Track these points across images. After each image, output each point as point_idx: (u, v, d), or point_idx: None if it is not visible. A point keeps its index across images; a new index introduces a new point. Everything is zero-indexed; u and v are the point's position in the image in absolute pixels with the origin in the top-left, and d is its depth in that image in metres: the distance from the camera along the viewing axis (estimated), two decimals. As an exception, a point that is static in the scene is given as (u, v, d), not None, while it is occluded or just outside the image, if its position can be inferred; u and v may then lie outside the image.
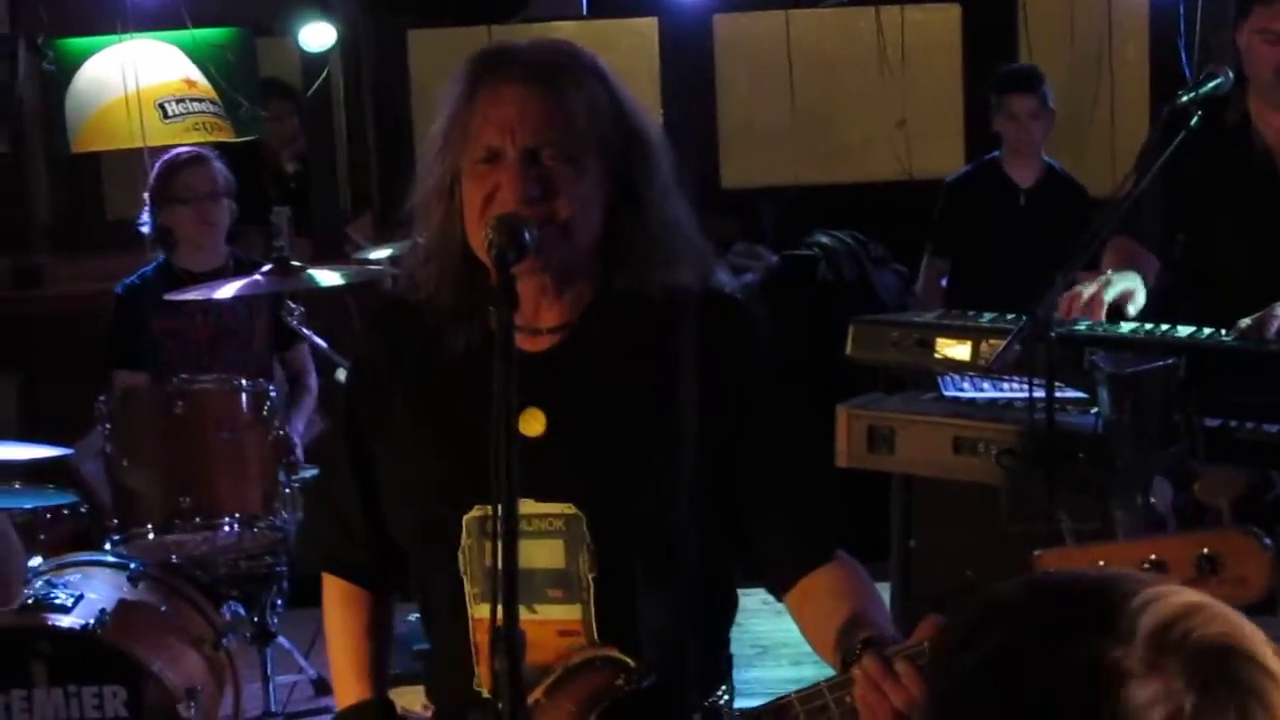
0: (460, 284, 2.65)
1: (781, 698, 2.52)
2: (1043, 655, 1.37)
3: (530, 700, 2.58)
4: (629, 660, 2.59)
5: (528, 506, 2.55)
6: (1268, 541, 2.30)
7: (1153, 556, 2.28)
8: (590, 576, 2.62)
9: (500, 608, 2.22)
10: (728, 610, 2.85)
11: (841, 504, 2.77)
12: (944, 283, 7.65)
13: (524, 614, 2.46)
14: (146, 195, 6.29)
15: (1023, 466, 4.22)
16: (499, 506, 2.22)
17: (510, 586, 2.22)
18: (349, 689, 2.88)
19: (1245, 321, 4.17)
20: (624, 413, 2.65)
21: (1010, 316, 4.58)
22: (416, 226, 2.71)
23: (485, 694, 2.67)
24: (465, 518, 2.65)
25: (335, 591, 2.94)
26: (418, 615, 3.68)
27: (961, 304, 6.83)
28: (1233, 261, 4.55)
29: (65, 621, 4.84)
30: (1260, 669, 1.36)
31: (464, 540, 2.66)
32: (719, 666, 2.84)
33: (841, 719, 2.47)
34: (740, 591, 2.86)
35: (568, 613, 2.64)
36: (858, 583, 2.68)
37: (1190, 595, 1.40)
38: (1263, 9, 4.43)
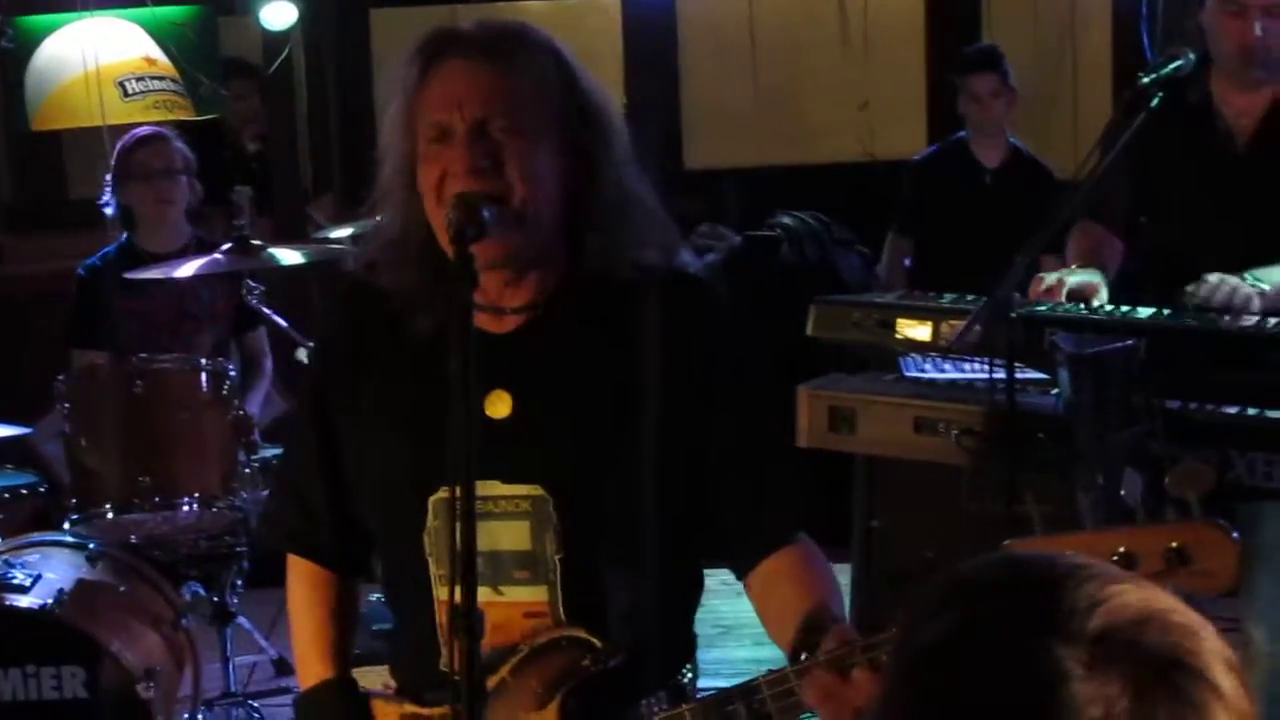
0: (422, 267, 2.63)
1: (750, 680, 2.51)
2: (989, 644, 1.36)
3: (496, 679, 2.60)
4: (595, 640, 2.60)
5: (494, 488, 2.57)
6: (1235, 535, 2.31)
7: (1122, 549, 2.28)
8: (557, 558, 2.62)
9: (459, 588, 2.21)
10: (693, 591, 2.86)
11: (804, 487, 2.77)
12: (907, 263, 7.66)
13: (490, 596, 2.52)
14: (108, 175, 6.27)
15: (983, 447, 4.23)
16: (457, 486, 2.22)
17: (468, 565, 2.21)
18: (312, 669, 2.87)
19: (1189, 287, 4.20)
20: (590, 394, 2.65)
21: (971, 298, 4.59)
22: (378, 209, 2.70)
23: (453, 675, 2.65)
24: (431, 499, 2.66)
25: (299, 571, 2.92)
26: (379, 595, 3.67)
27: (926, 285, 6.85)
28: (1194, 241, 4.57)
29: (23, 601, 4.82)
30: (1205, 684, 1.34)
31: (430, 522, 2.67)
32: (684, 646, 2.85)
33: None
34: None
35: (534, 594, 2.64)
36: (813, 568, 2.68)
37: (1150, 598, 1.38)
38: None
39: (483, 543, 2.31)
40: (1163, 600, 1.38)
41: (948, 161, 7.60)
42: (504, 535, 2.61)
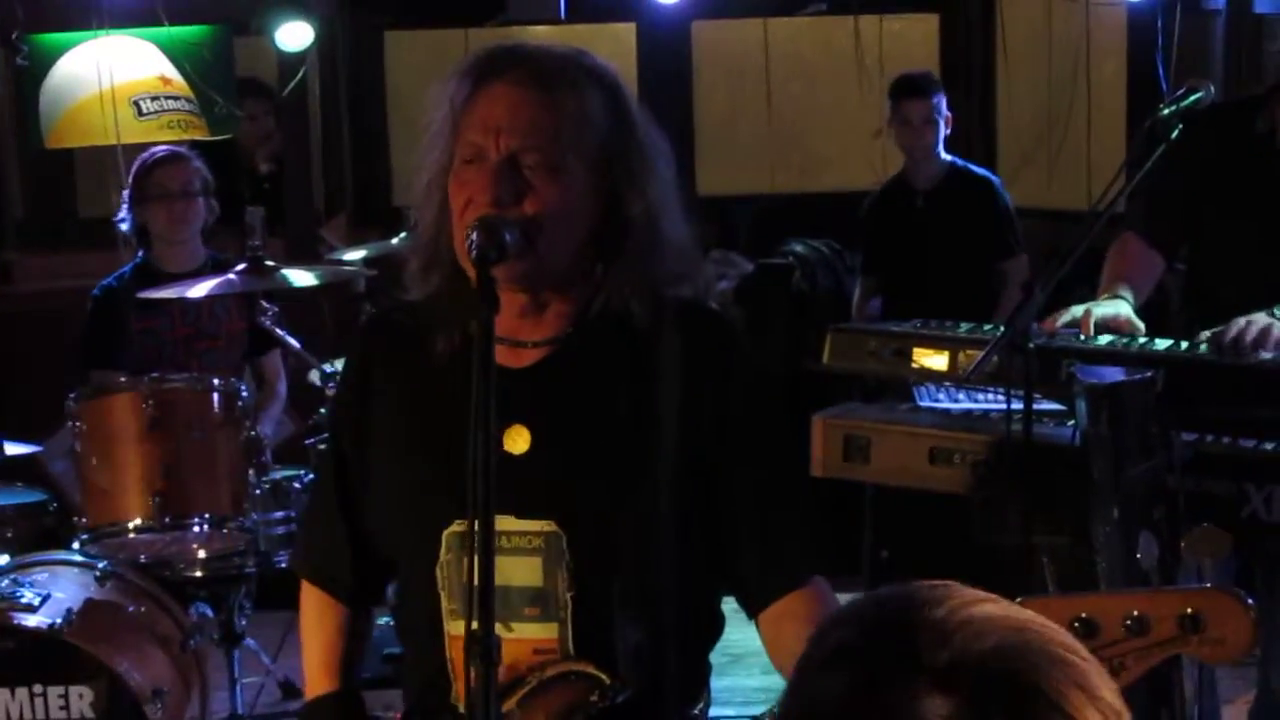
0: (446, 279, 2.64)
1: (756, 715, 2.52)
2: (846, 674, 1.37)
3: (503, 709, 2.56)
4: (604, 676, 2.59)
5: (508, 523, 2.56)
6: (1250, 602, 2.31)
7: (1136, 612, 2.29)
8: (568, 595, 2.62)
9: (475, 615, 2.21)
10: (711, 630, 2.84)
11: (819, 526, 2.76)
12: (876, 303, 7.70)
13: (500, 631, 2.45)
14: (125, 193, 6.27)
15: (998, 478, 4.21)
16: (474, 517, 2.22)
17: (486, 592, 2.19)
18: (317, 682, 2.90)
19: (1206, 334, 4.17)
20: (608, 431, 2.64)
21: (988, 327, 4.57)
22: (415, 214, 2.73)
23: (461, 708, 2.64)
24: (445, 532, 2.66)
25: (313, 597, 2.94)
26: (388, 619, 3.65)
27: (894, 315, 6.88)
28: (1240, 270, 4.53)
29: (31, 621, 4.81)
30: (1056, 711, 1.33)
31: (443, 555, 2.67)
32: (697, 681, 2.83)
33: None
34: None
35: (544, 631, 2.63)
36: (817, 606, 2.67)
37: (1010, 622, 1.38)
38: None
39: (496, 578, 2.29)
40: (1028, 629, 1.38)
41: (887, 196, 7.69)
42: (515, 571, 2.59)
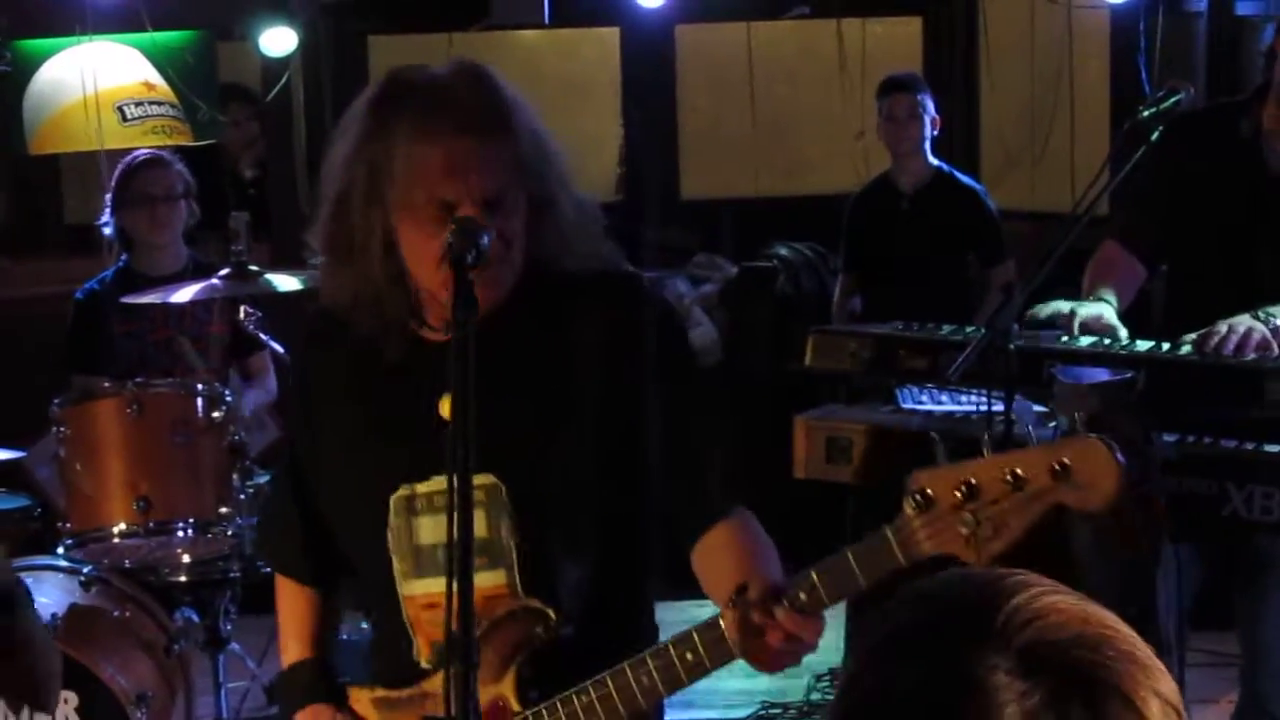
0: (389, 310, 2.80)
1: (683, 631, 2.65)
2: (926, 643, 1.39)
3: None
4: (548, 610, 2.76)
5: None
6: (1116, 448, 2.40)
7: (1017, 470, 2.39)
8: (512, 542, 2.78)
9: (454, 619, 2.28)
10: (644, 568, 3.00)
11: (738, 464, 2.90)
12: (856, 299, 7.71)
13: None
14: (107, 198, 6.27)
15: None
16: (454, 485, 2.38)
17: (465, 589, 2.25)
18: (290, 652, 3.08)
19: (1189, 336, 4.17)
20: (536, 389, 2.81)
21: (969, 329, 4.58)
22: (328, 249, 2.85)
23: (424, 664, 2.86)
24: (392, 498, 2.84)
25: (283, 585, 3.15)
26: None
27: (872, 317, 6.89)
28: (1225, 273, 4.53)
29: None
30: (1127, 708, 1.35)
31: (391, 519, 2.85)
32: (642, 627, 2.98)
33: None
34: (693, 603, 2.91)
35: (494, 579, 2.78)
36: (748, 537, 2.80)
37: (1088, 615, 1.40)
38: None
39: (442, 534, 2.64)
40: (1103, 623, 1.40)
41: (872, 194, 7.70)
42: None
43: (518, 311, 2.79)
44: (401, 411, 2.80)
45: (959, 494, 2.42)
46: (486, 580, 2.75)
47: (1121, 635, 1.40)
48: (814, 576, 2.54)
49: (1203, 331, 4.15)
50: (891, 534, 2.50)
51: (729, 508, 2.83)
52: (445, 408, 2.73)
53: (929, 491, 2.44)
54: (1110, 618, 1.41)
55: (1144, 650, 1.40)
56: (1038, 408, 4.29)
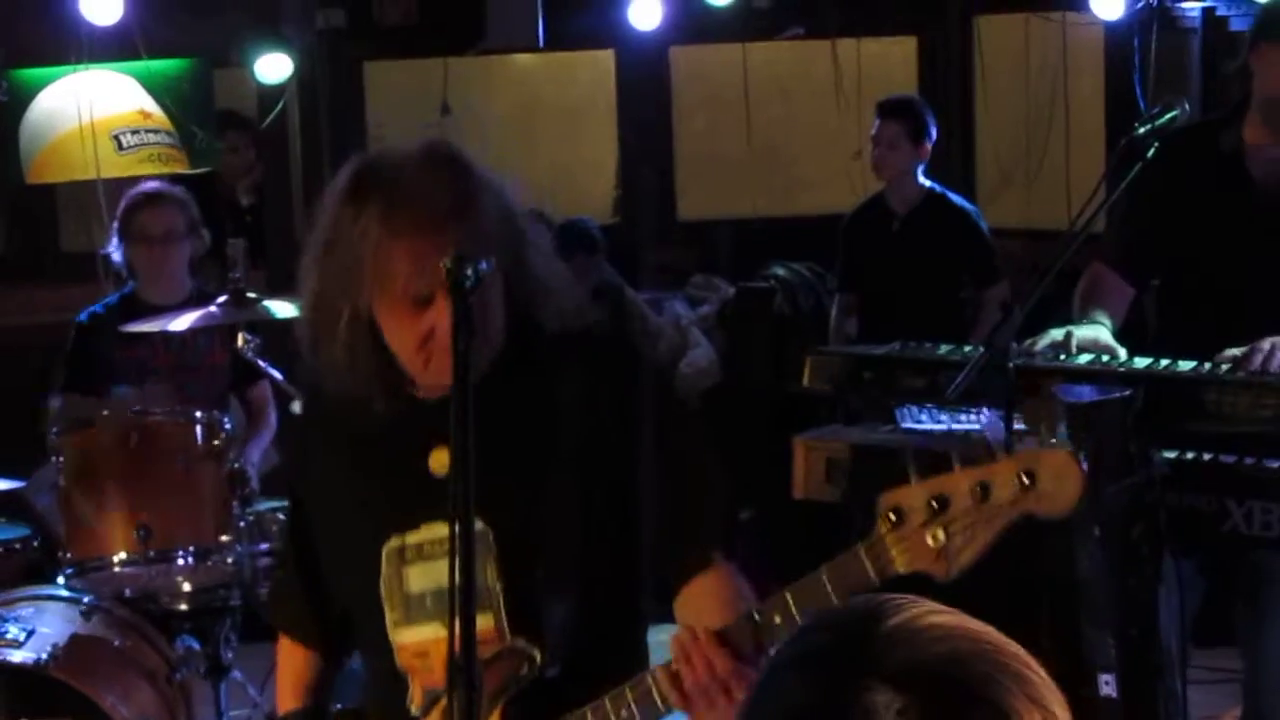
0: (371, 373, 2.83)
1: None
2: (812, 677, 1.45)
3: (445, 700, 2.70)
4: (533, 650, 2.79)
5: (439, 530, 2.83)
6: (1081, 457, 2.43)
7: (981, 480, 2.42)
8: (498, 586, 2.83)
9: (458, 629, 2.34)
10: (632, 614, 3.03)
11: (723, 511, 2.97)
12: (853, 319, 7.72)
13: (440, 631, 2.77)
14: (114, 225, 6.28)
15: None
16: (456, 522, 2.44)
17: (467, 603, 2.29)
18: (285, 702, 3.14)
19: (1231, 352, 4.17)
20: (522, 441, 2.87)
21: (968, 348, 4.58)
22: (312, 339, 2.87)
23: (414, 710, 2.89)
24: (384, 549, 2.89)
25: (286, 648, 3.20)
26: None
27: (866, 336, 6.88)
28: (1215, 291, 4.54)
29: (17, 656, 4.80)
30: (995, 715, 1.39)
31: (384, 570, 2.90)
32: (633, 658, 2.98)
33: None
34: (670, 628, 2.93)
35: (482, 622, 2.74)
36: (724, 591, 2.85)
37: (963, 632, 1.44)
38: None
39: (430, 581, 2.83)
40: (980, 639, 1.44)
41: (865, 215, 7.73)
42: (449, 571, 2.68)
43: (504, 371, 2.85)
44: (392, 466, 2.89)
45: (930, 509, 2.45)
46: (476, 624, 2.76)
47: (999, 649, 1.43)
48: (787, 595, 2.58)
49: (1242, 350, 4.15)
50: (864, 552, 2.52)
51: (709, 559, 2.87)
52: (435, 461, 2.84)
53: (900, 507, 2.46)
54: (990, 634, 1.45)
55: (1024, 664, 1.43)
56: (1018, 426, 4.29)
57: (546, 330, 2.88)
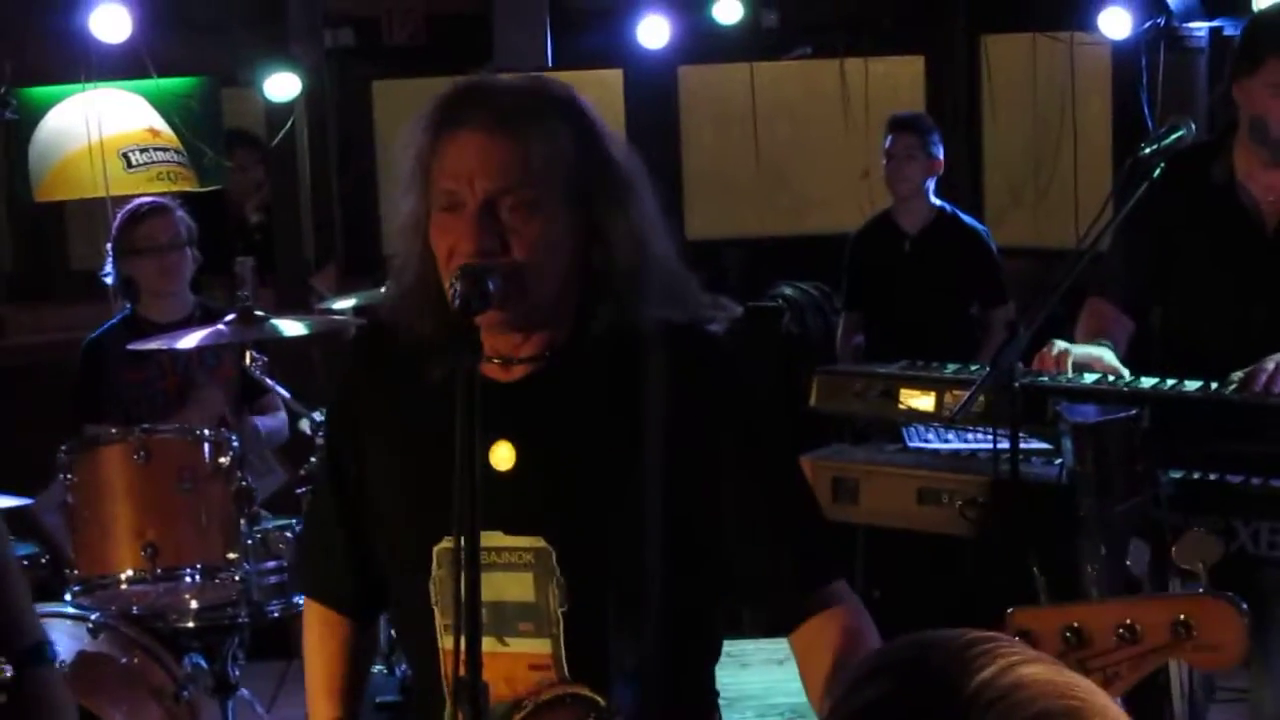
0: (435, 318, 2.63)
1: None
2: None
3: None
4: (599, 699, 2.58)
5: (497, 539, 2.58)
6: (1244, 608, 2.29)
7: (1128, 620, 2.27)
8: (560, 611, 2.62)
9: (464, 650, 2.24)
10: (709, 652, 2.83)
11: (832, 537, 2.78)
12: (859, 339, 7.70)
13: (495, 646, 2.54)
14: (109, 246, 6.27)
15: (987, 518, 4.22)
16: (462, 552, 2.25)
17: (474, 636, 2.21)
18: (319, 708, 2.90)
19: (1237, 375, 4.17)
20: (595, 447, 2.64)
21: (974, 367, 4.58)
22: (394, 259, 2.73)
23: None
24: (436, 548, 2.67)
25: (315, 614, 2.96)
26: (380, 668, 3.65)
27: (873, 355, 6.88)
28: (1212, 323, 4.53)
29: None
30: None
31: (435, 571, 2.68)
32: (702, 705, 2.82)
33: None
34: (731, 642, 2.84)
35: (538, 646, 2.63)
36: (846, 633, 2.64)
37: (1056, 688, 1.33)
38: (1276, 62, 4.34)
39: (487, 593, 2.36)
40: (1070, 697, 1.33)
41: (875, 233, 7.72)
42: (508, 586, 2.60)
43: (577, 361, 2.66)
44: (450, 457, 2.41)
45: (1064, 639, 2.30)
46: (530, 647, 2.63)
47: (1092, 705, 1.33)
48: None
49: (1249, 369, 4.15)
50: None
51: (829, 591, 2.67)
52: (497, 456, 2.62)
53: (1031, 632, 2.32)
54: (1079, 688, 1.34)
55: (1115, 717, 1.34)
56: (1039, 445, 4.29)
57: (643, 315, 2.64)
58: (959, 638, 1.37)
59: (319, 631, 2.94)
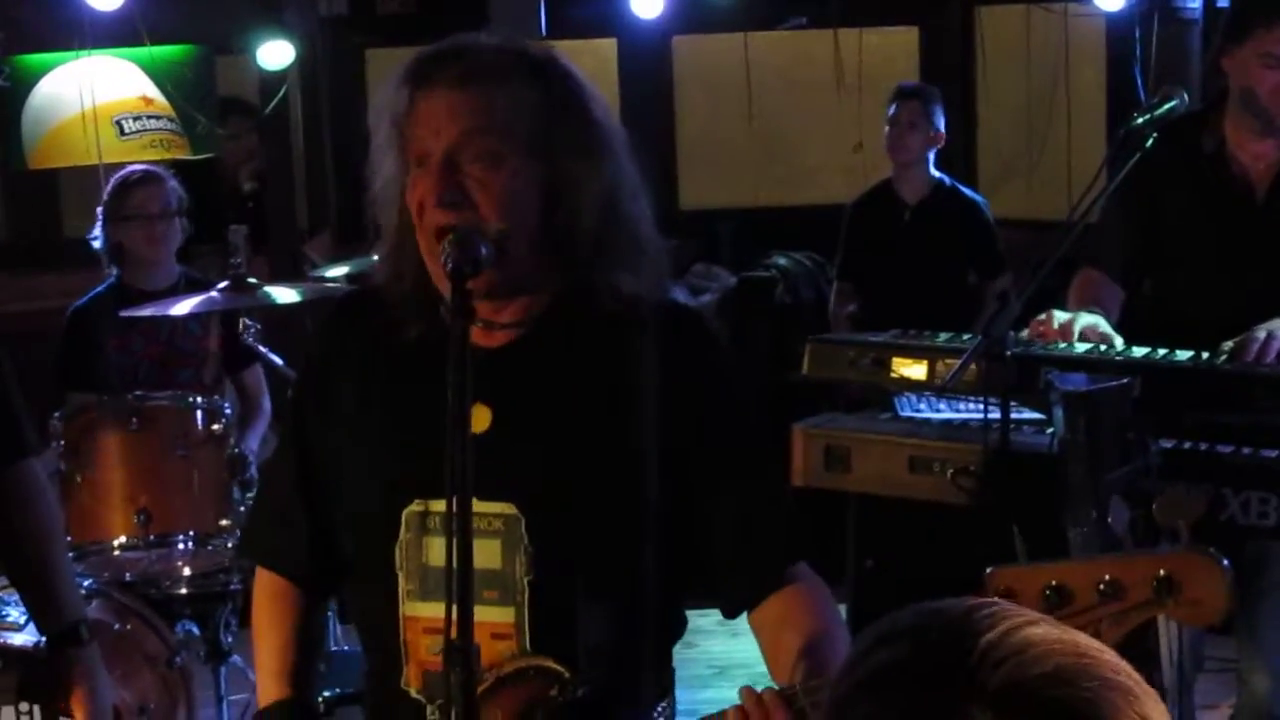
0: (415, 277, 2.63)
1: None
2: (899, 695, 1.34)
3: None
4: (564, 671, 2.57)
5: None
6: (1226, 564, 2.29)
7: (1108, 577, 2.26)
8: (526, 580, 2.60)
9: (454, 618, 2.24)
10: (674, 629, 2.83)
11: (800, 522, 2.75)
12: (852, 306, 7.70)
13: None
14: (99, 211, 6.28)
15: (978, 486, 4.23)
16: (452, 517, 2.24)
17: (465, 598, 2.21)
18: (269, 689, 2.85)
19: (1228, 344, 4.17)
20: (572, 416, 2.64)
21: (966, 336, 4.59)
22: (376, 219, 2.72)
23: (413, 693, 2.67)
24: (405, 511, 2.65)
25: (267, 587, 2.91)
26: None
27: (870, 325, 6.89)
28: (1203, 292, 4.54)
29: (17, 640, 4.79)
30: None
31: (402, 534, 2.66)
32: (659, 682, 2.81)
33: None
34: (696, 612, 2.83)
35: (502, 615, 2.61)
36: (809, 612, 2.66)
37: (1065, 646, 1.34)
38: (1264, 32, 4.36)
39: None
40: (1081, 653, 1.35)
41: (873, 202, 7.72)
42: (475, 552, 2.46)
43: (558, 328, 2.65)
44: (426, 419, 2.48)
45: (1045, 598, 2.29)
46: (494, 615, 2.60)
47: (1102, 661, 1.35)
48: None
49: (1238, 339, 4.15)
50: None
51: (789, 572, 2.69)
52: (474, 420, 2.50)
53: (1012, 590, 2.30)
54: (1090, 645, 1.36)
55: (1128, 674, 1.35)
56: (1031, 414, 4.29)
57: (618, 287, 2.63)
58: (960, 604, 1.38)
59: (270, 607, 2.89)
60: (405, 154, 2.60)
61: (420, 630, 2.65)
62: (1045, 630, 1.35)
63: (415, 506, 2.64)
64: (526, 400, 2.62)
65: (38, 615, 3.86)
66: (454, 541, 2.24)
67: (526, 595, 2.60)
